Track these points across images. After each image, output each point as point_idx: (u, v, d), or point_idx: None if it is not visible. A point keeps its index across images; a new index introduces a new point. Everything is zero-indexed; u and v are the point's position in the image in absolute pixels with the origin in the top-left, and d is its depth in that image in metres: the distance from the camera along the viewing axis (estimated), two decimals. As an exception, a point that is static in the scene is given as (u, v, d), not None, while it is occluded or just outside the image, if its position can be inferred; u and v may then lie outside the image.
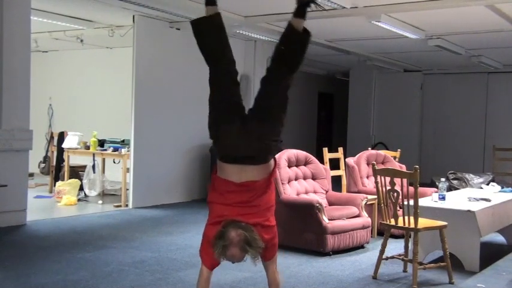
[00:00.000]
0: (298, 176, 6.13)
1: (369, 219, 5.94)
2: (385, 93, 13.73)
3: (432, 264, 4.78)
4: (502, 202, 5.60)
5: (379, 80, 13.82)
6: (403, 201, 4.56)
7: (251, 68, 9.63)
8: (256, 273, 4.46)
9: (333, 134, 16.12)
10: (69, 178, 8.61)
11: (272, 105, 3.10)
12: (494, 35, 8.49)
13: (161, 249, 5.55)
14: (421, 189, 5.32)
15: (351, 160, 6.91)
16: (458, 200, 5.52)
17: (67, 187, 8.26)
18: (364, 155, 7.07)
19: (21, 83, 6.56)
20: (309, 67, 13.73)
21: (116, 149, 8.26)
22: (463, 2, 6.45)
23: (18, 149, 6.49)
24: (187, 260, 5.13)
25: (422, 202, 5.07)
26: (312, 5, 3.11)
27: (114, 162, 8.93)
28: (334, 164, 7.13)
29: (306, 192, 6.07)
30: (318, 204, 5.47)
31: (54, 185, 8.78)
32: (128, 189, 8.15)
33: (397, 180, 4.60)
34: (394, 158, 7.46)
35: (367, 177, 6.90)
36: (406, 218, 4.54)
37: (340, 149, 7.32)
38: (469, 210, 4.94)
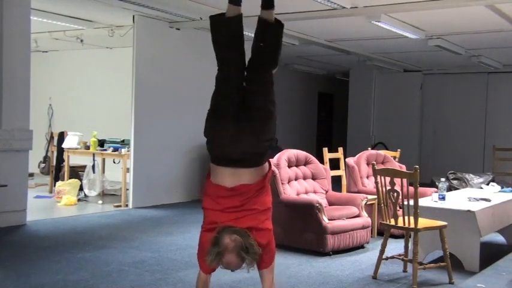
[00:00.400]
0: (298, 176, 6.13)
1: (369, 219, 5.94)
2: (385, 93, 13.74)
3: (432, 264, 4.78)
4: (502, 202, 5.60)
5: (379, 80, 13.83)
6: (403, 201, 4.56)
7: (251, 68, 9.62)
8: (256, 273, 4.45)
9: (333, 134, 16.13)
10: (69, 178, 8.60)
11: (260, 104, 3.03)
12: (494, 35, 8.49)
13: (161, 249, 5.55)
14: (421, 189, 5.32)
15: (350, 160, 6.91)
16: (458, 200, 5.52)
17: (67, 187, 8.26)
18: (364, 155, 7.07)
19: (21, 83, 6.56)
20: (309, 67, 13.75)
21: (115, 149, 8.26)
22: (463, 2, 6.45)
23: (18, 149, 6.49)
24: (187, 260, 5.13)
25: (422, 202, 5.07)
26: None
27: (114, 162, 8.93)
28: (334, 164, 7.13)
29: (306, 192, 6.07)
30: (318, 204, 5.47)
31: (54, 185, 8.78)
32: (127, 189, 8.15)
33: (397, 180, 4.60)
34: (394, 158, 7.45)
35: (367, 177, 6.90)
36: (406, 218, 4.54)
37: (340, 149, 7.32)
38: (469, 210, 4.94)
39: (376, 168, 4.74)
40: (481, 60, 10.79)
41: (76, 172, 8.93)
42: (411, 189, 4.50)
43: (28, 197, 6.81)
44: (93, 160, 8.59)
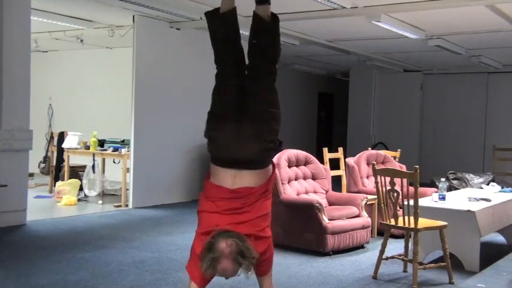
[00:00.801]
0: (298, 176, 6.13)
1: (369, 219, 5.93)
2: (385, 93, 13.74)
3: (432, 264, 4.78)
4: (502, 202, 5.60)
5: (379, 80, 13.83)
6: (403, 201, 4.56)
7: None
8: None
9: (332, 134, 16.14)
10: (69, 178, 8.60)
11: (262, 103, 2.92)
12: (494, 35, 8.49)
13: (161, 249, 5.55)
14: (421, 189, 5.33)
15: (351, 160, 6.91)
16: (458, 200, 5.52)
17: (67, 187, 8.26)
18: (364, 155, 7.07)
19: (21, 83, 6.56)
20: (309, 67, 13.75)
21: (115, 149, 8.26)
22: (463, 2, 6.45)
23: (18, 149, 6.49)
24: (187, 260, 5.12)
25: (423, 202, 5.07)
26: None
27: (114, 162, 8.93)
28: (334, 164, 7.13)
29: (306, 192, 6.07)
30: (318, 204, 5.47)
31: (54, 185, 8.78)
32: (127, 189, 8.15)
33: (397, 180, 4.60)
34: (394, 158, 7.45)
35: (367, 177, 6.90)
36: (406, 218, 4.54)
37: (340, 149, 7.32)
38: (469, 210, 4.94)
39: (376, 168, 4.74)
40: (481, 60, 10.79)
41: (76, 172, 8.93)
42: (411, 189, 4.50)
43: (28, 197, 6.81)
44: (93, 160, 8.59)
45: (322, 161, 6.68)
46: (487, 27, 8.00)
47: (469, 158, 12.53)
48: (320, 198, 5.89)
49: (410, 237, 4.75)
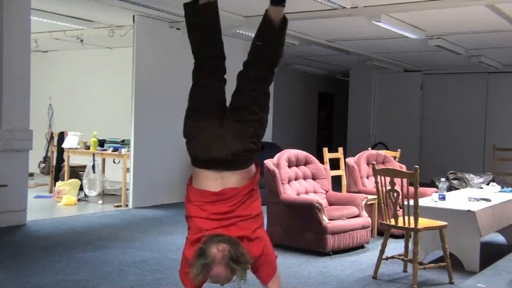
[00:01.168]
0: (298, 176, 6.13)
1: (369, 219, 5.94)
2: (385, 93, 13.74)
3: (432, 264, 4.78)
4: (502, 202, 5.60)
5: (379, 80, 13.83)
6: (403, 201, 4.56)
7: (251, 68, 9.62)
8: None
9: (333, 134, 16.14)
10: (69, 178, 8.61)
11: (252, 104, 2.79)
12: (494, 35, 8.49)
13: (161, 249, 5.55)
14: (421, 189, 5.32)
15: (351, 160, 6.91)
16: (459, 200, 5.52)
17: (67, 187, 8.26)
18: (364, 155, 7.07)
19: (21, 83, 6.56)
20: (309, 67, 13.75)
21: (115, 149, 8.26)
22: (463, 2, 6.45)
23: (18, 149, 6.49)
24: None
25: (423, 202, 5.07)
26: None
27: (114, 162, 8.93)
28: (334, 164, 7.13)
29: (306, 192, 6.07)
30: (318, 204, 5.47)
31: (54, 185, 8.78)
32: (127, 189, 8.15)
33: (397, 180, 4.60)
34: (394, 158, 7.45)
35: (367, 177, 6.90)
36: (406, 218, 4.54)
37: (340, 149, 7.32)
38: (469, 210, 4.94)
39: (376, 168, 4.74)
40: (481, 60, 10.78)
41: (76, 172, 8.93)
42: (411, 189, 4.50)
43: (28, 197, 6.82)
44: (93, 160, 8.59)
45: (322, 161, 6.68)
46: (487, 27, 8.00)
47: (469, 158, 12.53)
48: (320, 198, 5.89)
49: (410, 237, 4.75)
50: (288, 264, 5.13)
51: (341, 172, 7.10)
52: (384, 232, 4.95)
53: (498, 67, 11.73)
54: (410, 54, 11.02)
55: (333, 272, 4.94)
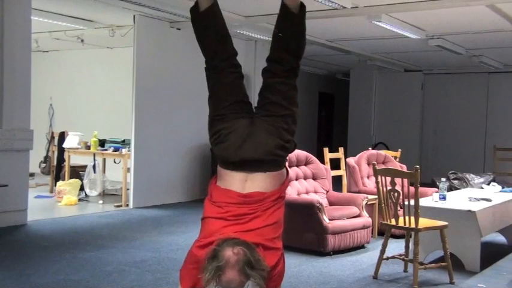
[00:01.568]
0: (298, 176, 6.13)
1: (370, 219, 5.93)
2: (385, 93, 13.74)
3: (433, 264, 4.78)
4: (502, 202, 5.60)
5: (380, 80, 13.83)
6: (403, 201, 4.56)
7: (251, 68, 9.62)
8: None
9: (333, 134, 16.13)
10: (70, 178, 8.61)
11: (282, 99, 2.68)
12: (495, 35, 8.49)
13: (162, 249, 5.55)
14: (421, 189, 5.32)
15: (351, 160, 6.91)
16: (459, 200, 5.52)
17: (68, 187, 8.26)
18: (364, 155, 7.07)
19: (22, 83, 6.56)
20: (309, 67, 13.75)
21: (116, 149, 8.26)
22: (464, 2, 6.44)
23: (18, 149, 6.49)
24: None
25: (423, 202, 5.08)
26: None
27: (115, 162, 8.93)
28: (335, 164, 7.13)
29: (307, 192, 6.07)
30: (318, 204, 5.47)
31: (55, 185, 8.78)
32: (128, 189, 8.15)
33: (398, 180, 4.60)
34: (395, 158, 7.45)
35: (368, 177, 6.90)
36: (407, 218, 4.54)
37: (341, 149, 7.32)
38: (469, 210, 4.94)
39: (377, 168, 4.74)
40: (482, 60, 10.78)
41: (77, 172, 8.93)
42: (412, 189, 4.50)
43: (29, 197, 6.82)
44: (94, 160, 8.59)
45: (322, 161, 6.68)
46: (487, 27, 8.00)
47: (470, 158, 12.53)
48: (320, 198, 5.89)
49: (410, 237, 4.75)
50: (289, 264, 5.09)
51: (341, 172, 7.10)
52: (384, 232, 4.95)
53: (499, 67, 11.73)
54: (410, 54, 11.02)
55: (334, 272, 4.94)
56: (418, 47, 9.81)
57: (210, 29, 2.77)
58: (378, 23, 7.39)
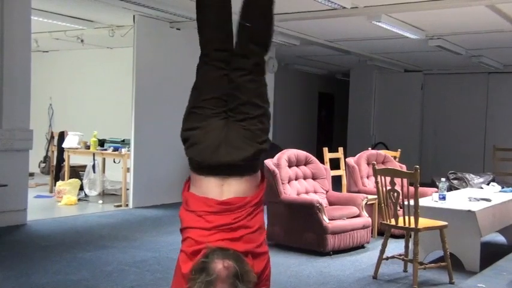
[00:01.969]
0: (298, 176, 6.13)
1: (369, 219, 5.94)
2: (385, 93, 13.74)
3: (432, 264, 4.78)
4: (502, 202, 5.60)
5: (380, 80, 13.83)
6: (403, 201, 4.56)
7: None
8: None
9: (333, 133, 16.14)
10: (70, 178, 8.60)
11: (253, 97, 2.51)
12: (495, 35, 8.49)
13: (161, 249, 5.55)
14: (421, 189, 5.32)
15: (351, 160, 6.91)
16: (459, 200, 5.52)
17: (67, 187, 8.26)
18: (364, 155, 7.07)
19: (22, 83, 6.56)
20: (309, 67, 13.75)
21: (116, 149, 8.26)
22: (464, 2, 6.45)
23: (18, 149, 6.49)
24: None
25: (423, 202, 5.08)
26: None
27: (115, 162, 8.93)
28: (335, 164, 7.13)
29: (306, 192, 6.07)
30: (318, 204, 5.47)
31: (55, 185, 8.78)
32: (128, 189, 8.14)
33: (398, 180, 4.60)
34: (395, 158, 7.46)
35: (368, 177, 6.90)
36: (407, 218, 4.54)
37: (341, 149, 7.32)
38: (469, 210, 4.94)
39: (377, 168, 4.74)
40: (482, 61, 10.79)
41: (76, 172, 8.93)
42: (411, 189, 4.50)
43: (28, 197, 6.82)
44: (94, 160, 8.59)
45: (322, 160, 6.68)
46: (487, 27, 8.00)
47: (470, 158, 12.53)
48: (320, 198, 5.89)
49: (410, 237, 4.75)
50: (288, 264, 5.13)
51: (341, 172, 7.10)
52: (384, 232, 4.95)
53: (498, 67, 11.73)
54: (410, 54, 11.02)
55: (333, 272, 4.94)
56: (418, 47, 9.81)
57: (211, 12, 2.58)
58: (377, 23, 7.39)
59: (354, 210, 5.86)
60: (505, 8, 6.86)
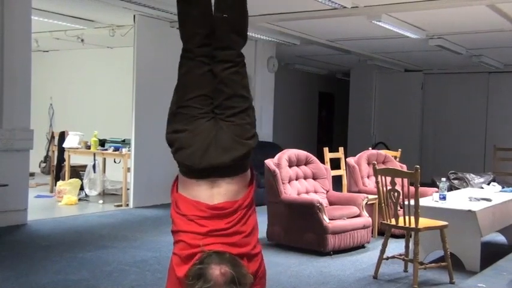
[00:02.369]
0: (298, 176, 6.13)
1: (370, 219, 5.94)
2: (385, 93, 13.74)
3: (433, 264, 4.78)
4: (502, 202, 5.60)
5: (380, 79, 13.83)
6: (403, 201, 4.56)
7: (252, 68, 9.63)
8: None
9: (333, 133, 16.14)
10: (70, 178, 8.61)
11: (238, 89, 2.46)
12: (495, 34, 8.49)
13: (162, 249, 5.55)
14: (421, 189, 5.32)
15: (351, 160, 6.91)
16: (459, 199, 5.52)
17: (68, 187, 8.26)
18: (364, 154, 7.07)
19: (22, 83, 6.56)
20: (309, 67, 13.75)
21: (116, 149, 8.26)
22: (464, 1, 6.45)
23: (19, 149, 6.49)
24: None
25: (423, 202, 5.08)
26: None
27: (115, 161, 8.93)
28: (335, 164, 7.13)
29: (307, 192, 6.07)
30: (318, 204, 5.47)
31: (55, 185, 8.78)
32: (128, 189, 8.15)
33: (398, 180, 4.60)
34: (395, 157, 7.45)
35: (368, 177, 6.90)
36: (407, 217, 4.54)
37: (341, 149, 7.32)
38: (469, 210, 4.94)
39: (377, 168, 4.74)
40: (482, 60, 10.79)
41: (77, 172, 8.93)
42: (412, 189, 4.50)
43: (29, 197, 6.82)
44: (94, 160, 8.59)
45: (322, 160, 6.68)
46: (487, 27, 8.00)
47: (470, 157, 12.52)
48: (321, 198, 5.89)
49: (410, 237, 4.75)
50: (289, 264, 5.13)
51: (341, 172, 7.10)
52: (384, 232, 4.95)
53: (499, 67, 11.73)
54: (411, 54, 11.02)
55: (334, 271, 4.94)
56: (418, 47, 9.81)
57: (193, 7, 2.50)
58: (377, 23, 7.39)
59: (355, 210, 5.86)
60: (505, 8, 6.86)
